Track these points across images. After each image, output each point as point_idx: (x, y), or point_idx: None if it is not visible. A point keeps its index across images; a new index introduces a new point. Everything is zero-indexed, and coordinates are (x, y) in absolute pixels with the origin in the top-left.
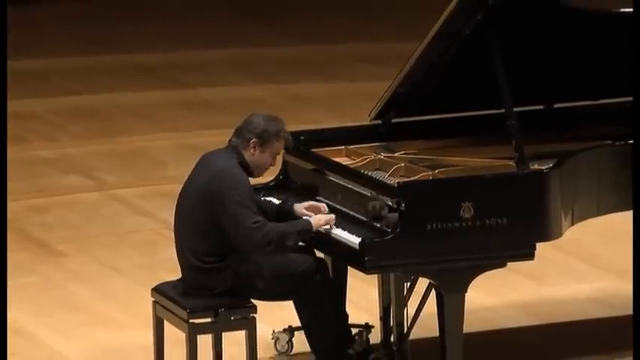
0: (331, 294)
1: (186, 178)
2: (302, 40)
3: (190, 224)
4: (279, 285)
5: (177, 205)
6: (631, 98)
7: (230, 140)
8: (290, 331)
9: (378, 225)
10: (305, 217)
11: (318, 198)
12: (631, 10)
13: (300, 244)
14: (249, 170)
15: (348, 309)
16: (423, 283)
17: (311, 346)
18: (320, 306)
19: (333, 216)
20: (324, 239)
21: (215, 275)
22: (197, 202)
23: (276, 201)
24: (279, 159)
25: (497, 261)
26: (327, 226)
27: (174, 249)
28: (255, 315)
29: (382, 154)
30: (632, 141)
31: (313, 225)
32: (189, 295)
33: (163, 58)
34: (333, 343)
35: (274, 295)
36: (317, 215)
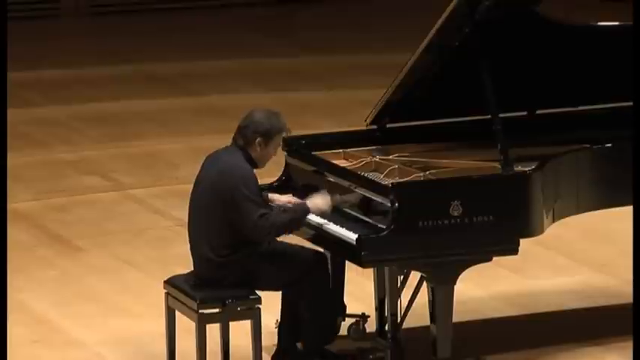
0: (328, 287)
1: (196, 177)
2: (304, 52)
3: (206, 219)
4: (282, 275)
5: (190, 204)
6: (608, 105)
7: (235, 139)
8: None
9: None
10: (301, 203)
11: None
12: (607, 24)
13: (301, 239)
14: (254, 163)
15: (346, 300)
16: (415, 276)
17: (292, 338)
18: (318, 296)
19: (328, 197)
20: (323, 235)
21: (227, 267)
22: (210, 198)
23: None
24: (282, 161)
25: (484, 255)
26: (327, 207)
27: (187, 244)
28: (259, 306)
29: (377, 156)
30: (608, 144)
31: (311, 209)
32: (199, 287)
33: (176, 68)
34: (322, 333)
35: (280, 284)
36: (313, 200)
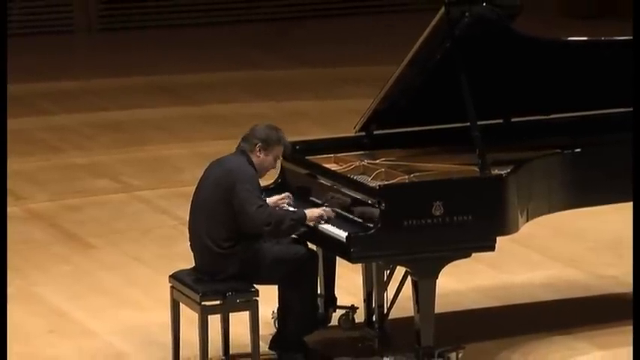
0: (315, 281)
1: (199, 179)
2: (299, 65)
3: (209, 214)
4: (277, 269)
5: (193, 202)
6: (577, 113)
7: (239, 146)
8: None
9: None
10: (301, 209)
11: (311, 198)
12: (575, 39)
13: (294, 236)
14: (255, 169)
15: (337, 293)
16: (400, 271)
17: (283, 324)
18: (306, 290)
19: (324, 209)
20: (316, 233)
21: (227, 259)
22: (215, 194)
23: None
24: (278, 164)
25: (464, 252)
26: (322, 219)
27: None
28: (257, 298)
29: (365, 161)
30: (577, 149)
31: (307, 217)
32: (201, 281)
33: (180, 79)
34: (307, 325)
35: (275, 277)
36: (312, 210)
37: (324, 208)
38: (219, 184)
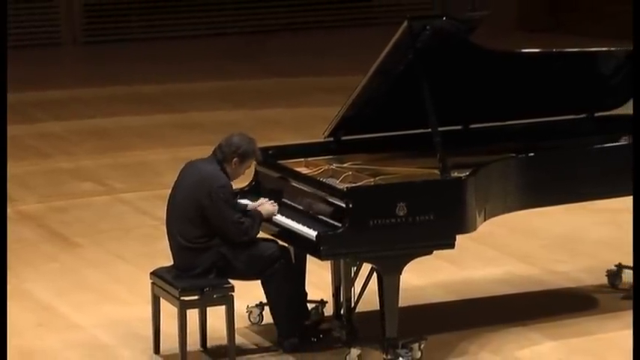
0: (293, 275)
1: (175, 180)
2: (271, 75)
3: (183, 215)
4: (252, 265)
5: (169, 203)
6: (531, 120)
7: (215, 153)
8: (261, 305)
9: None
10: (256, 210)
11: (283, 200)
12: (528, 50)
13: (268, 236)
14: (228, 177)
15: (307, 288)
16: (366, 267)
17: (274, 318)
18: (283, 284)
19: (276, 206)
20: (287, 233)
21: (201, 253)
22: (189, 199)
23: (246, 202)
24: (252, 168)
25: (426, 249)
26: (273, 214)
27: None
28: (233, 293)
29: (334, 164)
30: (531, 154)
31: (263, 214)
32: (180, 278)
33: (162, 88)
34: (293, 316)
35: (250, 274)
36: (263, 207)
37: (271, 202)
38: (194, 189)
